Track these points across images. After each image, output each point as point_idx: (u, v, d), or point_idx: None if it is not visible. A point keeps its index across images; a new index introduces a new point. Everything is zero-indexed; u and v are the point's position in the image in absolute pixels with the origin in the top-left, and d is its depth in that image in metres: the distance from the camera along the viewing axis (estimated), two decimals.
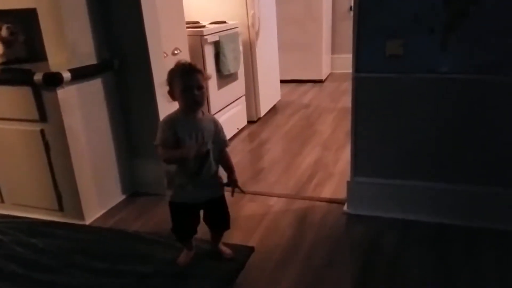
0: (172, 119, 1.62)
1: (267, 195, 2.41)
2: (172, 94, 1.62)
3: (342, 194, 2.29)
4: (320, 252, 1.87)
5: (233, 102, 3.42)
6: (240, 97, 3.55)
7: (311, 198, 2.34)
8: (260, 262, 1.83)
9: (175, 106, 1.64)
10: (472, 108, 1.86)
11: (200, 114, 1.64)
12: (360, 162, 2.09)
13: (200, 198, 1.69)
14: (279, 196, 2.39)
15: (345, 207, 2.18)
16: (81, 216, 2.21)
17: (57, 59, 2.06)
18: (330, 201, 2.29)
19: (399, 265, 1.75)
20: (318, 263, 1.79)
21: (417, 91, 1.91)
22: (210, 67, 3.04)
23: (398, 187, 2.04)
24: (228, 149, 1.73)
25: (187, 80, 1.56)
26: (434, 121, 1.92)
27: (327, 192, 2.40)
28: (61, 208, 2.24)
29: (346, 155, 2.87)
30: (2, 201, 2.36)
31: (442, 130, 1.93)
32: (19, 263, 1.91)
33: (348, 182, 2.13)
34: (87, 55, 2.17)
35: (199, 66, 3.07)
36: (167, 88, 1.61)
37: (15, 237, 2.12)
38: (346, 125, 3.49)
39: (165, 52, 2.50)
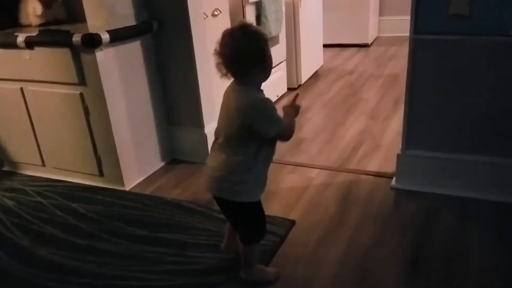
0: None
1: (309, 167, 2.30)
2: (267, 67, 1.30)
3: (390, 167, 2.15)
4: (368, 230, 1.76)
5: (273, 67, 3.26)
6: (280, 62, 3.39)
7: (356, 171, 2.21)
8: (302, 237, 1.75)
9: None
10: None
11: None
12: (413, 134, 1.92)
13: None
14: (321, 168, 2.27)
15: (393, 182, 2.04)
16: (121, 182, 2.20)
17: (96, 20, 1.98)
18: (377, 174, 2.15)
19: (456, 246, 1.63)
20: (365, 242, 1.69)
21: (483, 56, 1.71)
22: None
23: (455, 162, 1.87)
24: None
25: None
26: (501, 90, 1.73)
27: (374, 165, 2.26)
28: (101, 173, 2.23)
29: (394, 125, 2.72)
30: (43, 165, 2.38)
31: (508, 100, 1.73)
32: (60, 227, 1.92)
33: (398, 155, 1.98)
34: (126, 16, 2.09)
35: None
36: (263, 61, 1.28)
37: (56, 201, 2.13)
38: (394, 93, 3.32)
39: (204, 13, 2.38)
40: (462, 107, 1.81)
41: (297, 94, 1.53)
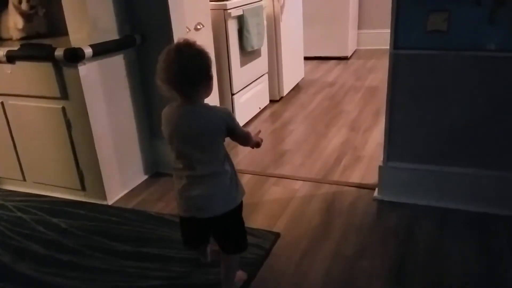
0: None
1: (292, 179, 2.32)
2: (212, 85, 1.29)
3: (371, 178, 2.20)
4: (351, 241, 1.78)
5: (255, 80, 3.31)
6: (262, 75, 3.43)
7: (339, 183, 2.24)
8: (287, 249, 1.76)
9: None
10: None
11: None
12: (394, 146, 1.97)
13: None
14: (304, 180, 2.30)
15: (375, 193, 2.08)
16: (103, 196, 2.18)
17: (78, 34, 1.98)
18: (360, 186, 2.19)
19: (437, 256, 1.66)
20: (349, 253, 1.71)
21: (460, 70, 1.77)
22: (233, 43, 2.92)
23: (436, 173, 1.92)
24: None
25: None
26: (479, 103, 1.79)
27: (356, 176, 2.30)
28: (83, 188, 2.20)
29: (375, 136, 2.77)
30: (24, 179, 2.34)
31: (486, 113, 1.79)
32: (42, 243, 1.89)
33: (380, 167, 2.02)
34: (109, 30, 2.09)
35: (223, 42, 2.93)
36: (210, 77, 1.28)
37: (37, 216, 2.10)
38: (374, 104, 3.39)
39: (187, 27, 2.40)
40: (441, 120, 1.86)
41: (259, 131, 1.56)
